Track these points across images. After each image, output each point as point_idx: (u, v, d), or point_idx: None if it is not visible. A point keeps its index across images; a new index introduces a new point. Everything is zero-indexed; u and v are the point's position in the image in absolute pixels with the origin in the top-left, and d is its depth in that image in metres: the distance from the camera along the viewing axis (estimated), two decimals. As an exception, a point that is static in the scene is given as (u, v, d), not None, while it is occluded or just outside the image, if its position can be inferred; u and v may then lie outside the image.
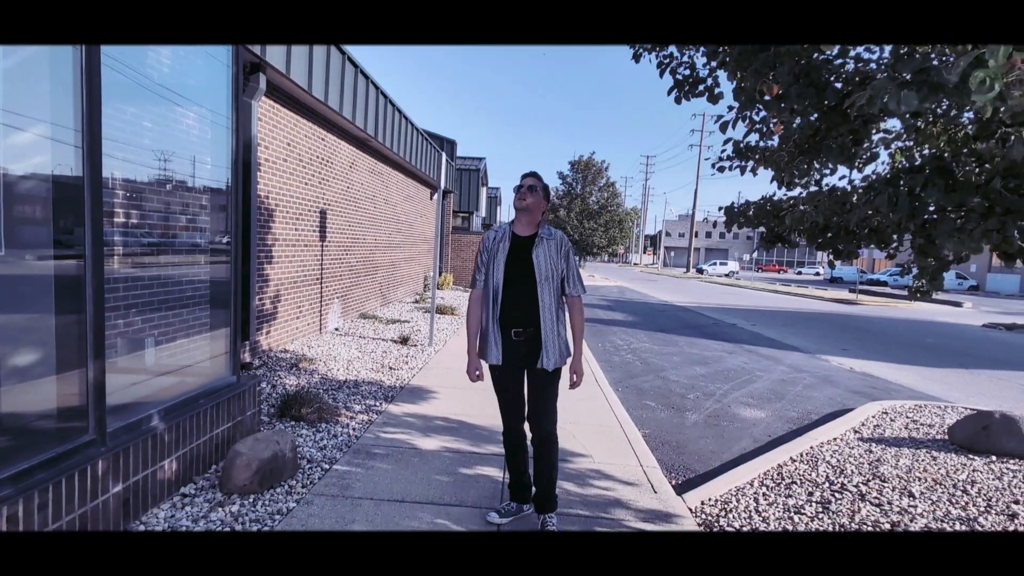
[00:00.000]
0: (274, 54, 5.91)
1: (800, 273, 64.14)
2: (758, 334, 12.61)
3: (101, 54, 2.47)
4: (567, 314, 2.96)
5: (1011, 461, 4.48)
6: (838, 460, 4.42)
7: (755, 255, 67.73)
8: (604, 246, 30.95)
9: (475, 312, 2.93)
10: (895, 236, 2.49)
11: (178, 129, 3.43)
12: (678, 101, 3.17)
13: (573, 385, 2.90)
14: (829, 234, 2.68)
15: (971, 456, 4.60)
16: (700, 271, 53.29)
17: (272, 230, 6.87)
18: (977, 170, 2.19)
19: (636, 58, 3.23)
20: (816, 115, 2.22)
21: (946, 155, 2.27)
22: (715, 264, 55.14)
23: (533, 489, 3.03)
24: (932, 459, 4.50)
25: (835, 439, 5.01)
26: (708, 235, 74.55)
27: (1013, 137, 1.56)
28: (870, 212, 2.35)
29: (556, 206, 30.95)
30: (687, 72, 2.83)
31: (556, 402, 2.89)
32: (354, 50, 8.34)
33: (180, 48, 3.33)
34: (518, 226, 2.90)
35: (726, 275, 49.51)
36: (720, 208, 3.79)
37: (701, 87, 3.06)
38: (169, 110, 3.32)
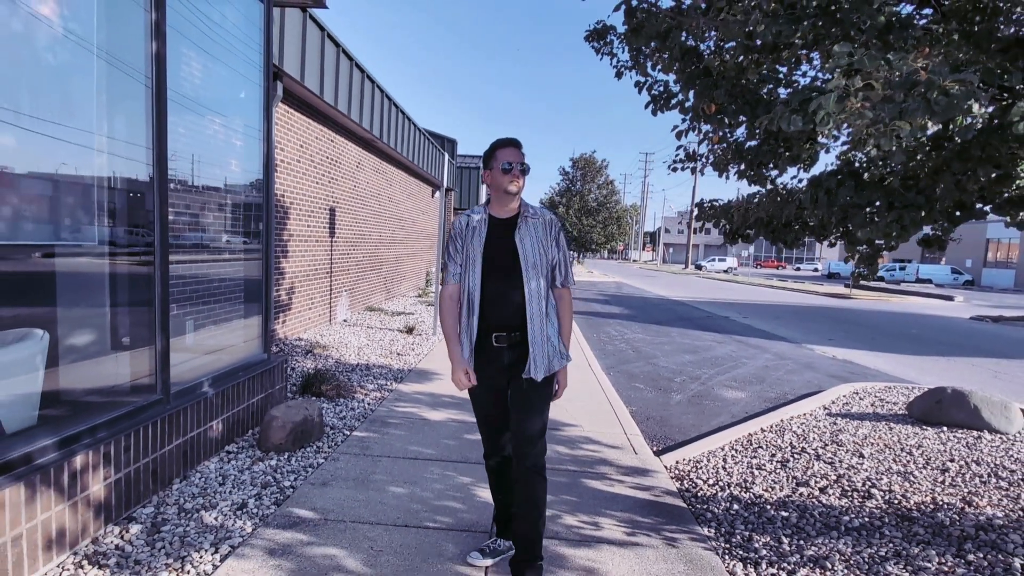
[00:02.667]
0: (290, 63, 6.40)
1: (799, 269, 64.58)
2: (749, 326, 13.09)
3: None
4: (555, 310, 2.42)
5: (959, 430, 4.98)
6: (803, 430, 4.92)
7: (753, 251, 68.11)
8: (602, 243, 31.46)
9: (451, 311, 2.37)
10: (827, 228, 2.99)
11: (216, 139, 3.93)
12: (654, 113, 3.65)
13: (556, 396, 2.40)
14: (773, 228, 3.17)
15: (925, 427, 5.10)
16: (699, 267, 53.74)
17: (287, 227, 7.37)
18: (881, 172, 2.69)
19: (618, 75, 3.72)
20: (746, 128, 2.71)
21: (857, 161, 2.77)
22: (714, 260, 55.56)
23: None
24: (889, 429, 5.01)
25: (805, 414, 5.51)
26: (707, 231, 74.80)
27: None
28: (799, 209, 2.84)
29: (556, 203, 31.44)
30: (661, 89, 3.32)
31: (546, 422, 2.38)
32: (360, 55, 8.83)
33: (218, 65, 3.82)
34: (496, 207, 2.35)
35: (724, 271, 49.95)
36: (695, 206, 4.29)
37: (673, 101, 3.55)
38: (210, 122, 3.82)
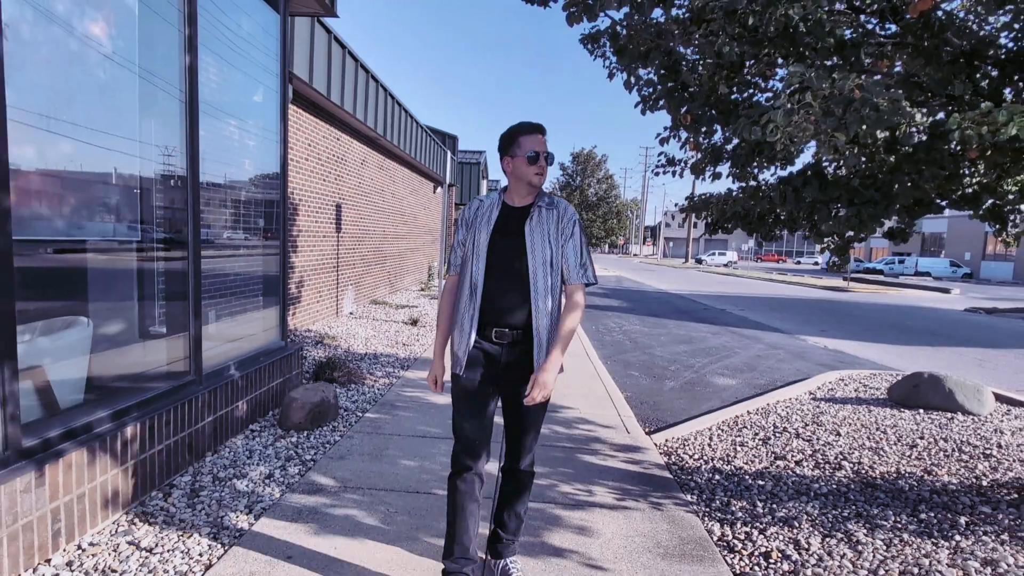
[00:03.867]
0: (299, 65, 6.69)
1: (799, 263, 64.84)
2: (745, 318, 13.39)
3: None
4: (564, 305, 2.17)
5: (934, 412, 5.28)
6: (787, 413, 5.23)
7: (753, 245, 68.28)
8: (602, 237, 31.77)
9: (448, 304, 2.23)
10: (797, 222, 3.28)
11: (237, 142, 4.22)
12: (643, 112, 3.94)
13: (529, 398, 2.03)
14: (749, 221, 3.46)
15: (903, 409, 5.41)
16: (699, 261, 54.01)
17: (296, 223, 7.68)
18: (843, 172, 2.98)
19: (610, 76, 4.00)
20: (721, 135, 2.99)
21: (824, 161, 3.06)
22: (714, 254, 55.80)
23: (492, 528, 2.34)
24: (868, 412, 5.32)
25: (790, 399, 5.82)
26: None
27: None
28: (769, 205, 3.14)
29: (556, 198, 31.82)
30: (650, 90, 3.60)
31: (540, 426, 2.24)
32: (364, 54, 9.11)
33: (239, 73, 4.11)
34: (513, 195, 2.17)
35: (724, 265, 50.22)
36: (687, 199, 4.58)
37: (661, 102, 3.84)
38: (232, 126, 4.12)
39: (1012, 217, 3.14)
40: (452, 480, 2.22)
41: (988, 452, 4.10)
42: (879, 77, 2.57)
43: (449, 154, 10.04)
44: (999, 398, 5.80)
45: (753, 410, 5.34)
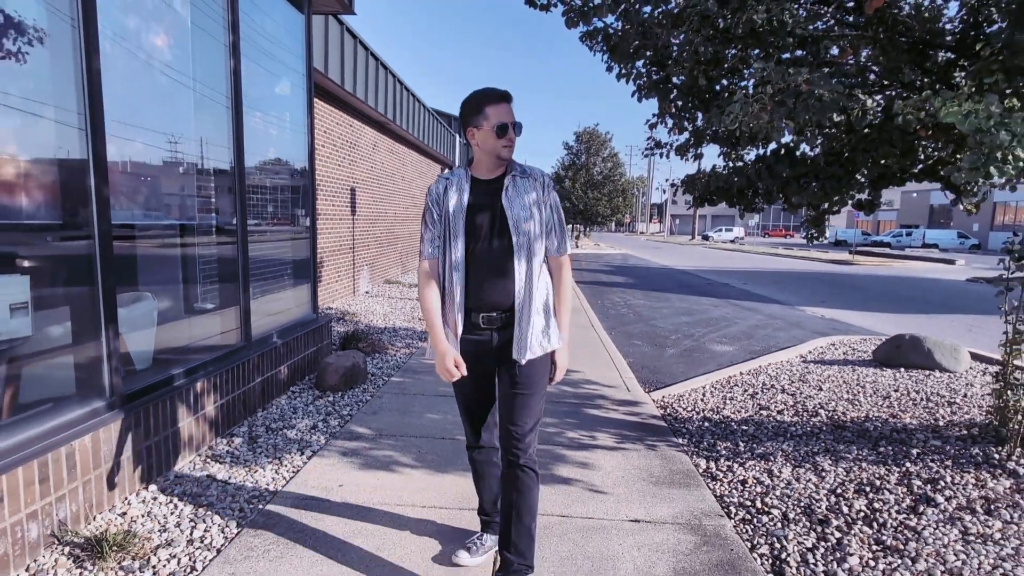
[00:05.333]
0: (316, 57, 7.06)
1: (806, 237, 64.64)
2: (747, 291, 13.76)
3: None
4: (551, 282, 2.10)
5: (914, 371, 5.70)
6: (776, 373, 5.67)
7: (760, 220, 67.98)
8: (608, 215, 32.02)
9: (431, 290, 2.05)
10: (772, 195, 3.68)
11: (270, 134, 4.65)
12: (639, 100, 4.33)
13: (551, 380, 2.09)
14: (730, 195, 3.85)
15: (885, 369, 5.83)
16: (706, 238, 54.07)
17: (316, 207, 8.12)
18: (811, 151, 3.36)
19: (608, 69, 4.38)
20: (702, 122, 3.38)
21: (792, 141, 3.45)
22: (721, 230, 55.80)
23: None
24: (852, 371, 5.74)
25: (781, 361, 6.26)
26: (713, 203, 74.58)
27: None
28: (747, 181, 3.53)
29: (561, 176, 31.95)
30: (640, 82, 3.98)
31: (540, 414, 2.08)
32: (373, 42, 9.44)
33: (269, 71, 4.52)
34: (481, 168, 2.04)
35: (731, 241, 50.29)
36: (680, 179, 4.98)
37: (654, 91, 4.22)
38: (266, 120, 4.54)
39: (969, 187, 3.50)
40: (470, 453, 2.30)
41: (952, 401, 4.54)
42: (828, 69, 2.93)
43: (457, 137, 10.39)
44: (975, 357, 6.21)
45: (746, 371, 5.78)
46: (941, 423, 3.95)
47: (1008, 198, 36.10)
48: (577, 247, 32.06)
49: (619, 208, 31.96)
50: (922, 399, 4.61)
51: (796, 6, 2.61)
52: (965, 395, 4.70)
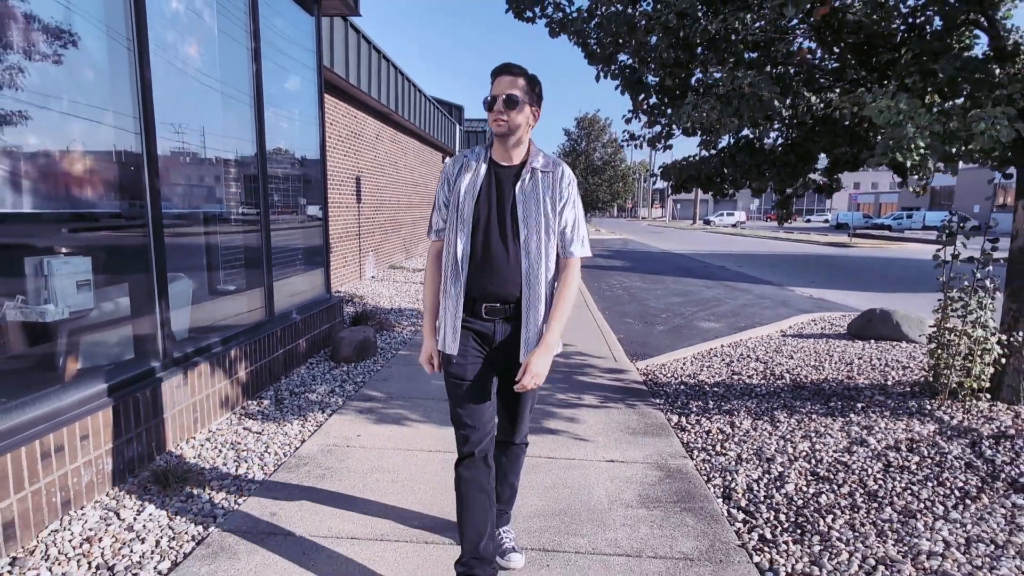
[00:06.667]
0: (323, 53, 7.46)
1: (809, 221, 64.79)
2: (741, 273, 14.17)
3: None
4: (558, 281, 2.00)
5: (883, 342, 6.15)
6: (755, 345, 6.13)
7: (761, 204, 68.04)
8: (609, 201, 32.35)
9: (434, 275, 2.03)
10: (737, 182, 4.10)
11: (291, 130, 5.09)
12: (622, 93, 4.74)
13: (520, 386, 1.88)
14: (701, 181, 4.27)
15: (856, 340, 6.28)
16: (707, 222, 54.30)
17: (327, 195, 8.56)
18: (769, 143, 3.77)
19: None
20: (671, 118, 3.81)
21: (753, 134, 3.86)
22: (722, 215, 55.96)
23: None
24: (825, 343, 6.19)
25: (762, 336, 6.71)
26: (716, 186, 74.37)
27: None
28: (715, 169, 3.95)
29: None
30: (620, 79, 4.37)
31: (535, 399, 2.12)
32: (373, 33, 9.81)
33: (283, 68, 4.94)
34: (497, 151, 1.94)
35: (733, 225, 50.50)
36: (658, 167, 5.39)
37: (628, 89, 4.61)
38: (283, 116, 4.97)
39: (915, 171, 3.89)
40: (457, 469, 1.97)
41: (907, 366, 4.99)
42: (779, 70, 3.33)
43: (457, 126, 10.77)
44: (943, 329, 6.64)
45: (727, 344, 6.24)
46: (890, 383, 4.41)
47: (1009, 181, 36.10)
48: (578, 233, 32.34)
49: (619, 193, 32.27)
50: (882, 365, 5.07)
51: (749, 16, 3.00)
52: (920, 361, 5.14)
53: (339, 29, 8.04)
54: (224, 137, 3.96)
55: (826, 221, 61.33)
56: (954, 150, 2.44)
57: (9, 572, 2.12)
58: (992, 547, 2.31)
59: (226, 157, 4.05)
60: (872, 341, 6.22)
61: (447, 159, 2.07)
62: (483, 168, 1.94)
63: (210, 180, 4.00)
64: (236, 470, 3.01)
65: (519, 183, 1.90)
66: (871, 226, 40.88)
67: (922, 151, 2.44)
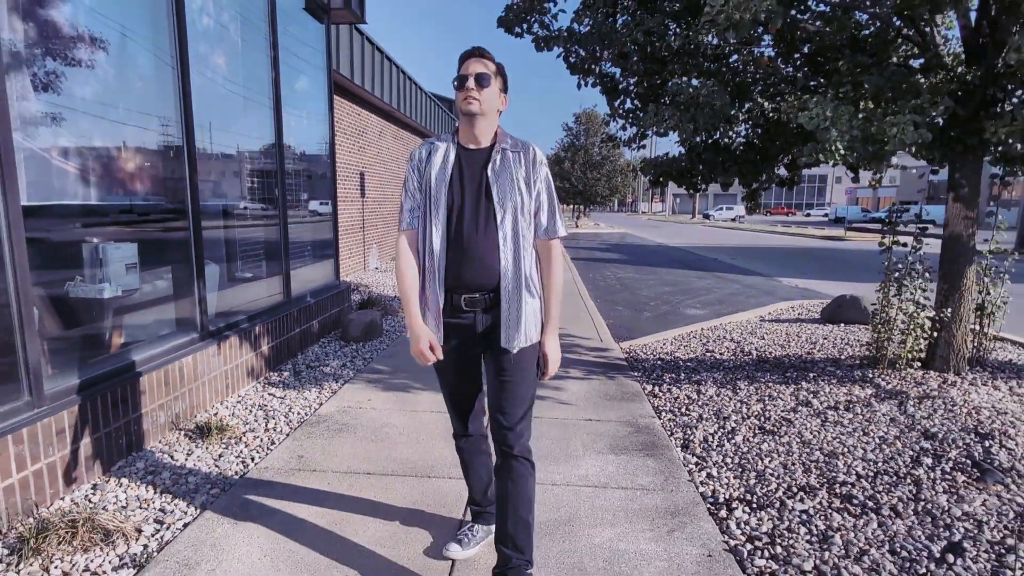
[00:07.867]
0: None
1: (808, 215, 65.14)
2: (733, 265, 14.62)
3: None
4: (540, 267, 1.97)
5: (852, 326, 6.62)
6: (733, 328, 6.61)
7: (761, 198, 68.22)
8: (607, 195, 32.77)
9: (409, 265, 1.95)
10: (707, 177, 4.56)
11: (299, 129, 5.56)
12: (602, 94, 5.21)
13: (542, 375, 1.98)
14: (675, 177, 4.73)
15: (827, 324, 6.76)
16: (706, 216, 54.67)
17: (336, 189, 9.04)
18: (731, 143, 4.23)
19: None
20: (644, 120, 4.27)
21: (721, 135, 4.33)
22: (721, 209, 56.34)
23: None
24: (798, 326, 6.67)
25: (742, 320, 7.18)
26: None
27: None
28: (686, 165, 4.41)
29: (561, 158, 32.67)
30: (599, 87, 4.84)
31: (531, 403, 1.98)
32: (379, 38, 10.27)
33: (299, 74, 5.40)
34: (465, 135, 1.92)
35: (732, 219, 50.91)
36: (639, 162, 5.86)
37: (606, 95, 5.07)
38: (296, 116, 5.45)
39: (868, 166, 4.35)
40: (456, 443, 2.18)
41: (864, 343, 5.47)
42: (737, 79, 3.78)
43: (456, 122, 11.23)
44: (909, 314, 7.11)
45: (707, 327, 6.72)
46: (843, 357, 4.89)
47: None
48: (577, 227, 32.87)
49: (618, 188, 32.68)
50: (841, 343, 5.55)
51: (709, 33, 3.44)
52: (880, 340, 5.62)
53: (344, 32, 8.50)
54: (248, 138, 4.44)
55: (825, 215, 61.72)
56: (872, 150, 2.89)
57: (92, 493, 2.62)
58: (895, 478, 2.80)
59: (250, 156, 4.53)
60: (842, 324, 6.69)
61: (414, 148, 2.11)
62: (452, 153, 1.91)
63: (235, 177, 4.48)
64: (266, 424, 3.51)
65: (490, 164, 1.88)
66: (868, 220, 41.24)
67: (841, 153, 2.90)
